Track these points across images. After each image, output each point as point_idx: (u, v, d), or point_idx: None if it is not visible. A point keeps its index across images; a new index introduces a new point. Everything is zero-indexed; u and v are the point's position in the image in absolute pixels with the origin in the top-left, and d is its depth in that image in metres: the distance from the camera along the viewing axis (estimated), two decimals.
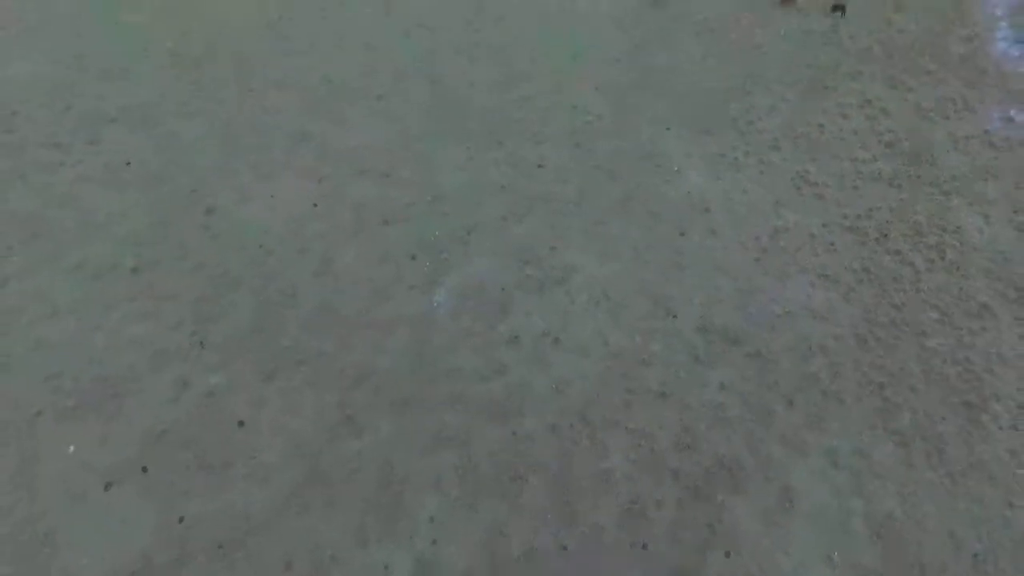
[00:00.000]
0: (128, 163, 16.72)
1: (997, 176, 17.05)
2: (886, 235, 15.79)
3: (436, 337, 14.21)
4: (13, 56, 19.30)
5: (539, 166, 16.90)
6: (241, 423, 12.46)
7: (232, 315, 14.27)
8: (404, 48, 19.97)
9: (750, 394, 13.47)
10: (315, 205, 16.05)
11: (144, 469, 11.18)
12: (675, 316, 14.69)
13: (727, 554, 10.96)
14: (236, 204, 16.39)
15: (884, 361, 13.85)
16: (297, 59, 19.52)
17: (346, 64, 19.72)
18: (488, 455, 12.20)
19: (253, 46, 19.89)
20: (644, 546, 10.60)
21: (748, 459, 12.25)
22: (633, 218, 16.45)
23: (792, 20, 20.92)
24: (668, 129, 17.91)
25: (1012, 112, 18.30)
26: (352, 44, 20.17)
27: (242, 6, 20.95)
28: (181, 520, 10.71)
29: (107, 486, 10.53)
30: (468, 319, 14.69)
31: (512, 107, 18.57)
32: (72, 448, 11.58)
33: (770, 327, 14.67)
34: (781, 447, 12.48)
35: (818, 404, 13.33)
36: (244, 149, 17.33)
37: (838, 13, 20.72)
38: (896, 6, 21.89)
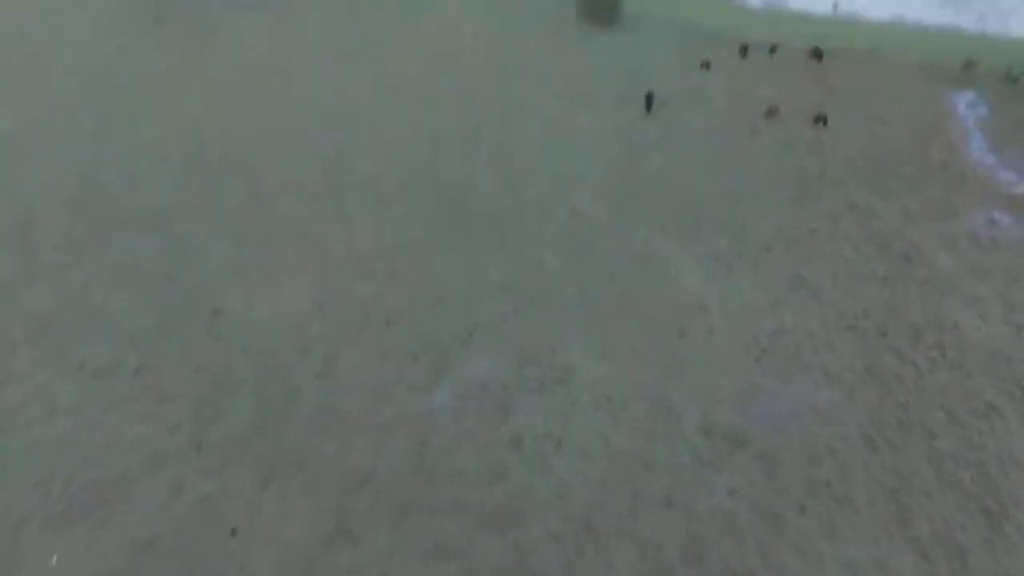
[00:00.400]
0: (138, 265, 17.17)
1: (988, 275, 17.42)
2: (885, 334, 15.90)
3: (437, 438, 14.01)
4: (37, 163, 20.34)
5: (539, 267, 17.31)
6: (234, 531, 12.03)
7: (232, 417, 14.15)
8: (410, 154, 21.01)
9: (759, 500, 13.08)
10: (320, 308, 16.34)
11: None
12: (677, 417, 14.53)
13: None
14: (242, 305, 16.69)
15: (895, 463, 13.55)
16: (306, 166, 20.50)
17: (353, 170, 20.72)
18: (490, 568, 11.66)
19: (264, 155, 20.98)
20: None
21: (761, 571, 11.69)
22: (632, 318, 16.67)
23: (778, 131, 22.17)
24: (664, 232, 18.53)
25: (995, 214, 18.98)
26: (359, 151, 21.25)
27: (255, 118, 22.26)
28: None
29: None
30: (469, 420, 14.53)
31: (513, 210, 19.28)
32: (55, 559, 11.11)
33: (775, 428, 14.47)
34: (795, 557, 11.94)
35: (830, 510, 12.91)
36: (252, 252, 17.86)
37: (820, 124, 21.97)
38: (874, 118, 23.19)
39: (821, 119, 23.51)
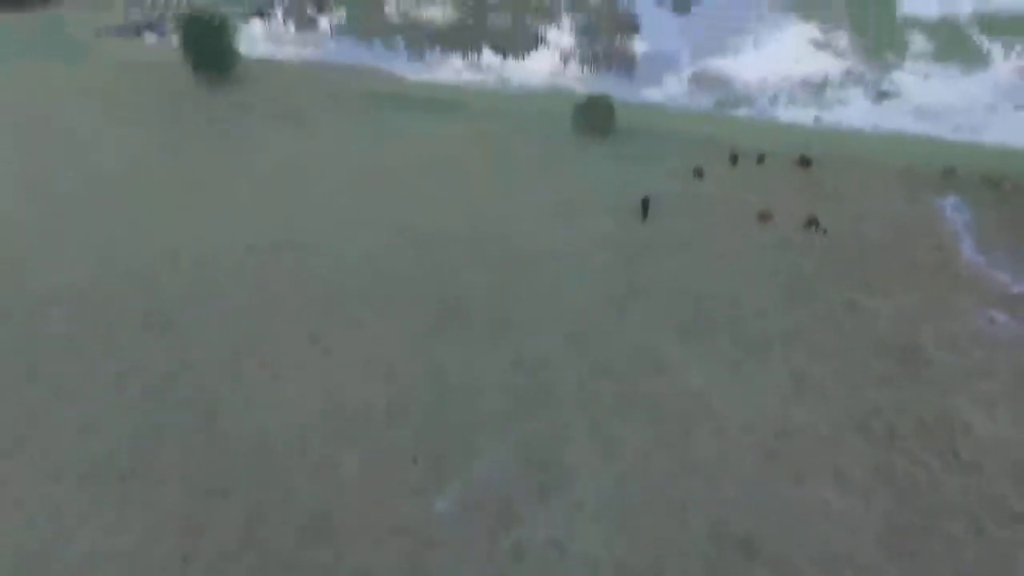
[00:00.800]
0: (139, 365, 17.15)
1: (993, 374, 17.29)
2: (894, 434, 15.58)
3: (436, 549, 13.35)
4: (50, 261, 20.83)
5: (541, 366, 17.25)
6: None
7: (222, 527, 13.57)
8: (413, 258, 21.48)
9: None
10: (319, 409, 16.13)
11: None
12: (686, 524, 13.91)
13: None
14: (240, 407, 16.50)
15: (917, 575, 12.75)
16: (312, 268, 20.95)
17: (357, 273, 21.15)
18: None
19: (273, 259, 21.53)
20: None
21: None
22: (636, 418, 16.39)
23: (771, 234, 22.82)
24: (665, 332, 18.63)
25: (993, 314, 19.12)
26: (363, 255, 21.79)
27: (269, 223, 23.00)
28: None
29: None
30: (470, 529, 13.91)
31: (513, 310, 19.51)
32: None
33: (788, 534, 13.79)
34: None
35: None
36: (254, 353, 17.89)
37: (812, 227, 22.63)
38: (863, 220, 23.86)
39: (812, 222, 24.27)
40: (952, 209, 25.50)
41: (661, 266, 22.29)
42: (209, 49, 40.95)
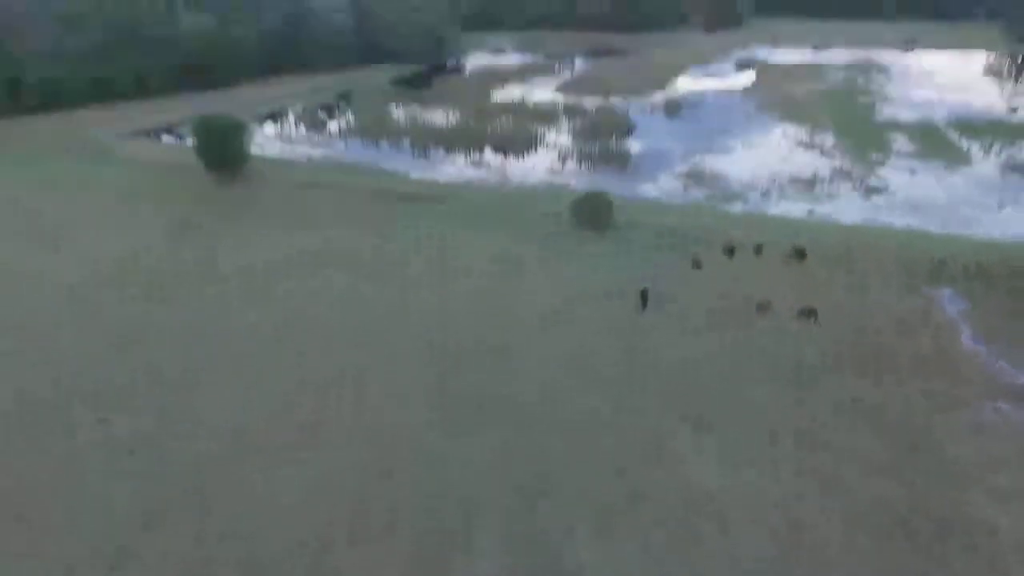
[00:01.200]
0: (133, 447, 16.78)
1: (1006, 466, 16.83)
2: (910, 530, 14.94)
3: None
4: (37, 352, 20.73)
5: (544, 459, 16.84)
6: None
7: None
8: (413, 356, 21.47)
9: None
10: (316, 503, 15.61)
11: None
12: None
13: None
14: (235, 495, 15.98)
15: None
16: (316, 362, 20.91)
17: (359, 370, 21.11)
18: None
19: (272, 353, 21.49)
20: None
21: None
22: (642, 515, 15.83)
23: (771, 324, 22.98)
24: (668, 424, 18.34)
25: (999, 404, 18.89)
26: (367, 354, 21.85)
27: (269, 321, 23.09)
28: None
29: None
30: None
31: (515, 403, 19.34)
32: None
33: None
34: None
35: None
36: (253, 443, 17.53)
37: (811, 318, 22.83)
38: (861, 311, 24.05)
39: (811, 313, 24.46)
40: (948, 300, 25.82)
41: (663, 357, 22.22)
42: (221, 150, 43.27)
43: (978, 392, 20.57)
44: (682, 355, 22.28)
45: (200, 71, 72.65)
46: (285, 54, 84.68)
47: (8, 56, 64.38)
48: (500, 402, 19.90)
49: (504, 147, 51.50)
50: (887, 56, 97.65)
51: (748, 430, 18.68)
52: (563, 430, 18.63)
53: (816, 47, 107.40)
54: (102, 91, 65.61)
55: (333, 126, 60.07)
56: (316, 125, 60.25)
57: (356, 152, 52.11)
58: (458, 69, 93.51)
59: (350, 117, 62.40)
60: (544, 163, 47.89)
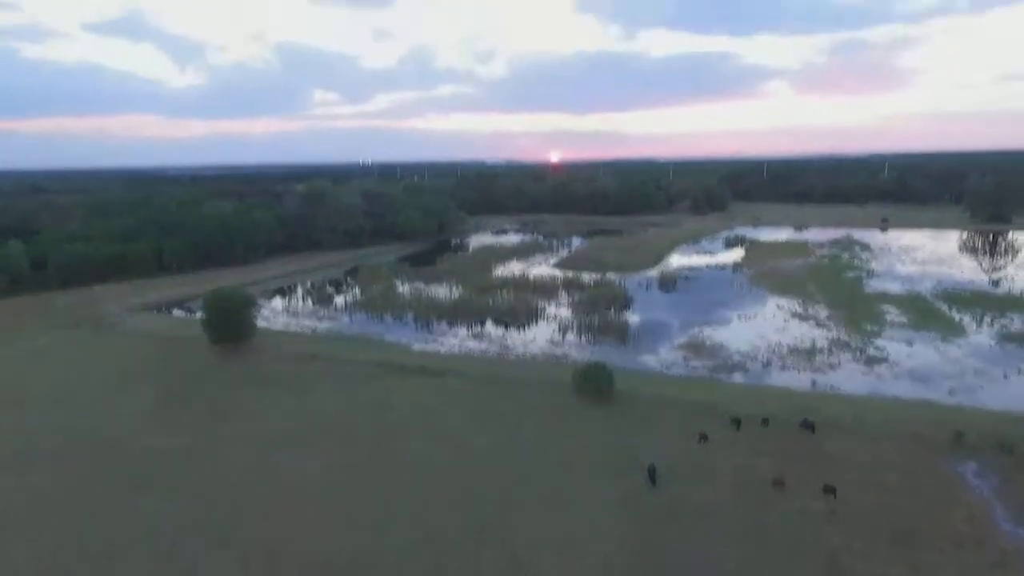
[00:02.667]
0: None
1: None
2: None
3: None
4: (25, 534, 19.17)
5: None
6: None
7: None
8: (411, 531, 19.92)
9: None
10: None
11: None
12: None
13: None
14: None
15: None
16: (317, 540, 19.32)
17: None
18: None
19: (270, 532, 20.01)
20: None
21: None
22: None
23: (788, 502, 21.46)
24: None
25: None
26: (362, 522, 20.36)
27: (260, 496, 21.80)
28: None
29: None
30: None
31: None
32: None
33: None
34: None
35: None
36: None
37: (830, 495, 21.41)
38: (883, 488, 22.63)
39: (830, 490, 22.87)
40: (974, 475, 24.35)
41: (677, 538, 20.36)
42: (228, 322, 44.59)
43: None
44: (697, 536, 20.40)
45: (219, 250, 77.76)
46: (301, 234, 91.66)
47: (38, 238, 68.70)
48: None
49: (505, 319, 52.75)
50: (866, 234, 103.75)
51: None
52: None
53: (797, 227, 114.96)
54: (122, 268, 69.58)
55: (340, 300, 61.92)
56: (324, 299, 62.37)
57: (361, 325, 53.28)
58: (462, 247, 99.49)
59: (356, 291, 64.54)
60: (545, 335, 48.61)
